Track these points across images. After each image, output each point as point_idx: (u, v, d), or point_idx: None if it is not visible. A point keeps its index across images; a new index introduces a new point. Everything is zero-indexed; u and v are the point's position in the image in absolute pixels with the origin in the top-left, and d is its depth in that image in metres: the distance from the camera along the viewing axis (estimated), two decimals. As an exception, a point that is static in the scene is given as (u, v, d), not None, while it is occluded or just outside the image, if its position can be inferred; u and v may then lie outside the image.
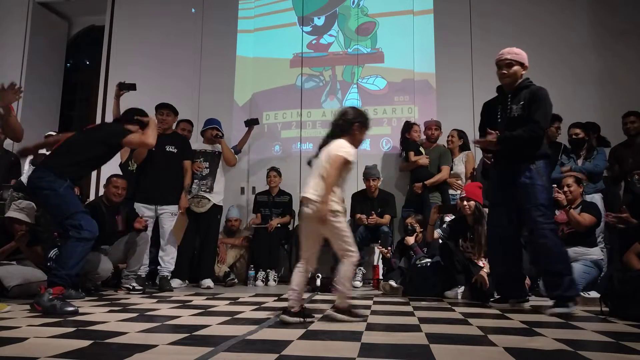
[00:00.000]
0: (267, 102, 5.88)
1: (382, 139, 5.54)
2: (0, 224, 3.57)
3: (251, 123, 5.20)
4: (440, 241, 3.89)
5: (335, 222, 2.32)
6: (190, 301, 3.21)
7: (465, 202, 3.65)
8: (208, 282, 4.32)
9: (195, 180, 4.55)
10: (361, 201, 4.90)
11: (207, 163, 4.63)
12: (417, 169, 4.85)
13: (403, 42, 5.64)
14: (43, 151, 3.95)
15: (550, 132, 4.40)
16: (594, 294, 3.22)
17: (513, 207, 2.91)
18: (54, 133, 4.67)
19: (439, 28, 5.56)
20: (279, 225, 4.96)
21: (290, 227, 5.19)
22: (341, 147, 2.40)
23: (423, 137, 5.05)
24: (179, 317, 2.43)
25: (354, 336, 1.88)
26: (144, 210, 4.20)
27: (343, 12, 5.90)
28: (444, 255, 3.63)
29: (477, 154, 4.81)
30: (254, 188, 5.62)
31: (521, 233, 3.07)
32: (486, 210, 3.67)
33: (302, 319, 2.25)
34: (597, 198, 4.15)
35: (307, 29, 5.94)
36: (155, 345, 1.68)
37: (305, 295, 3.64)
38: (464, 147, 4.87)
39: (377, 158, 5.37)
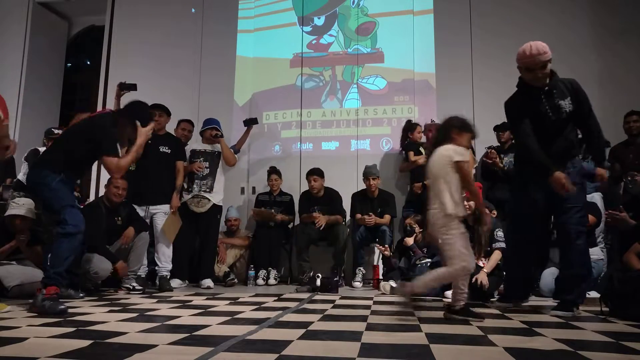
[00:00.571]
0: (267, 102, 5.88)
1: (382, 139, 5.53)
2: (0, 224, 3.57)
3: (250, 123, 5.20)
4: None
5: (445, 230, 2.39)
6: (190, 301, 3.21)
7: (465, 202, 3.65)
8: (208, 282, 4.32)
9: (196, 181, 4.55)
10: (361, 201, 4.90)
11: (207, 163, 4.63)
12: (417, 169, 4.85)
13: (403, 42, 5.63)
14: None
15: None
16: (594, 294, 3.22)
17: (546, 211, 2.86)
18: (55, 130, 4.66)
19: (439, 28, 5.56)
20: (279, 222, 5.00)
21: (290, 226, 5.20)
22: (446, 150, 2.45)
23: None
24: (179, 317, 2.43)
25: (354, 336, 1.88)
26: (137, 210, 4.22)
27: (343, 12, 5.90)
28: (444, 255, 3.63)
29: (477, 154, 4.81)
30: (254, 188, 5.62)
31: (550, 238, 3.06)
32: (487, 210, 3.66)
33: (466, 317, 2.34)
34: (597, 197, 4.15)
35: (307, 29, 5.94)
36: (155, 345, 1.68)
37: (305, 295, 3.65)
38: (464, 146, 4.88)
39: (377, 158, 5.37)
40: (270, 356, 1.52)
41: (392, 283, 3.82)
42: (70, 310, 2.59)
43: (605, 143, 4.53)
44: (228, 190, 5.04)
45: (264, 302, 3.11)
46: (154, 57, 6.12)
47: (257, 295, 3.64)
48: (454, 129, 2.53)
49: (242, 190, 5.71)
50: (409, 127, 5.07)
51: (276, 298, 3.42)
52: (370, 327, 2.12)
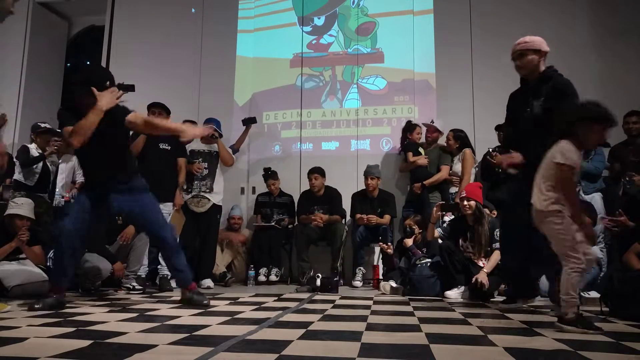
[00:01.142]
0: (267, 102, 5.88)
1: (382, 139, 5.53)
2: (0, 224, 3.57)
3: (249, 122, 5.19)
4: (440, 241, 3.89)
5: (556, 221, 2.17)
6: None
7: (465, 202, 3.66)
8: (208, 282, 4.32)
9: (196, 182, 4.55)
10: (361, 201, 4.90)
11: (206, 164, 4.63)
12: (416, 169, 4.86)
13: (403, 42, 5.63)
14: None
15: None
16: (594, 294, 3.22)
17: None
18: (41, 124, 4.67)
19: (439, 28, 5.56)
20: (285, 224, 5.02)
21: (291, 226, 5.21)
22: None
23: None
24: (179, 317, 2.43)
25: (354, 336, 1.88)
26: None
27: (343, 12, 5.90)
28: (443, 255, 3.63)
29: (477, 153, 4.81)
30: (254, 188, 5.62)
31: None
32: (486, 210, 3.68)
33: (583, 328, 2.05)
34: (597, 198, 4.15)
35: (307, 29, 5.94)
36: (155, 345, 1.68)
37: (305, 295, 3.65)
38: (463, 145, 4.87)
39: (377, 158, 5.37)
40: (270, 356, 1.52)
41: (392, 283, 3.83)
42: (70, 310, 2.60)
43: (604, 143, 4.55)
44: (228, 190, 5.04)
45: (264, 302, 3.11)
46: (154, 57, 6.12)
47: (257, 295, 3.64)
48: (582, 121, 2.19)
49: (242, 190, 5.71)
50: (408, 127, 5.08)
51: (276, 298, 3.42)
52: (370, 327, 2.12)
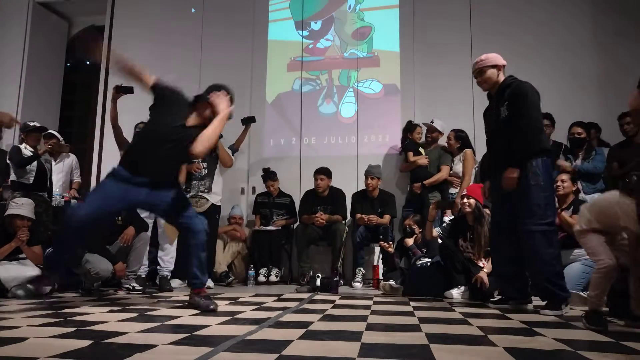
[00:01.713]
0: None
1: (382, 140, 5.52)
2: (0, 224, 3.57)
3: (248, 121, 5.18)
4: (440, 240, 3.89)
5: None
6: (190, 301, 3.20)
7: (465, 200, 3.65)
8: (208, 282, 4.31)
9: (194, 181, 4.55)
10: (361, 201, 4.91)
11: (205, 164, 4.63)
12: (416, 169, 4.86)
13: (399, 46, 5.61)
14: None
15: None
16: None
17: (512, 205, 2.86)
18: (30, 123, 4.69)
19: (438, 28, 5.55)
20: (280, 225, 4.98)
21: (292, 227, 5.20)
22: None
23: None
24: (179, 317, 2.43)
25: (354, 336, 1.88)
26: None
27: (339, 16, 5.90)
28: (443, 255, 3.63)
29: (477, 153, 4.81)
30: (254, 188, 5.62)
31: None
32: (487, 210, 3.67)
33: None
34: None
35: (304, 33, 5.94)
36: (155, 345, 1.68)
37: (305, 295, 3.65)
38: (464, 146, 4.87)
39: (378, 158, 5.37)
40: (270, 356, 1.52)
41: (392, 283, 3.83)
42: (70, 310, 2.60)
43: (604, 144, 4.56)
44: (228, 190, 5.04)
45: (264, 302, 3.11)
46: (154, 57, 6.11)
47: (257, 295, 3.65)
48: None
49: (242, 190, 5.70)
50: (409, 127, 5.08)
51: (276, 298, 3.43)
52: (370, 327, 2.12)
